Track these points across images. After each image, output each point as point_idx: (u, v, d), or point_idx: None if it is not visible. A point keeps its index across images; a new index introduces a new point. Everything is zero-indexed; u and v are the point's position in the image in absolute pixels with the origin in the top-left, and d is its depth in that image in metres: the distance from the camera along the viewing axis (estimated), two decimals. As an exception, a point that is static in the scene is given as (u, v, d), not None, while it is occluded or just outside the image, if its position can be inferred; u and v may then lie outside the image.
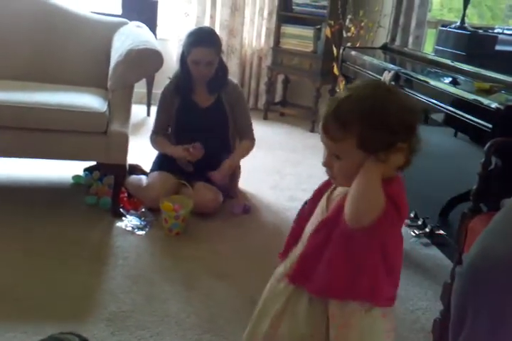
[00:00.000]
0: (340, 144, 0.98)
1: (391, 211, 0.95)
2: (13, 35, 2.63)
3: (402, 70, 2.23)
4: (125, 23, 2.77)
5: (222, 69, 2.53)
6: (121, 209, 2.34)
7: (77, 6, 2.90)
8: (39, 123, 2.19)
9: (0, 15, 2.63)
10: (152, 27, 3.39)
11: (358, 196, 0.95)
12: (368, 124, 0.95)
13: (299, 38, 4.05)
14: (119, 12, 3.66)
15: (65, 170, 2.64)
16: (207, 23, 4.14)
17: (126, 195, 2.42)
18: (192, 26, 4.13)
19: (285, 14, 4.07)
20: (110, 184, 2.40)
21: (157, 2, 3.88)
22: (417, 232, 2.15)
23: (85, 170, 2.62)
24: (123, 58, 2.28)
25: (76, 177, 2.60)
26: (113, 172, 2.35)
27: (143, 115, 3.95)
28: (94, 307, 1.71)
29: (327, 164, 1.03)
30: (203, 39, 2.42)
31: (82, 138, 2.25)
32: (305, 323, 1.07)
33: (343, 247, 1.03)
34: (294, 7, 4.06)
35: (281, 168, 3.18)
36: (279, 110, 4.36)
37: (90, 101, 2.31)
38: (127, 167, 2.36)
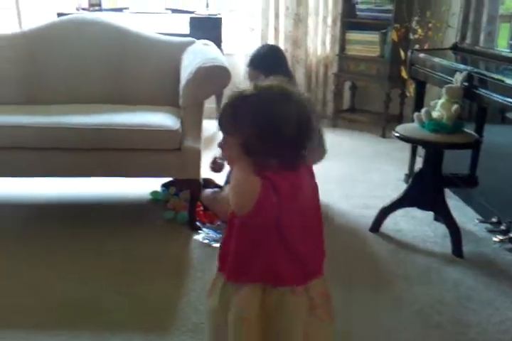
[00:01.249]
0: (228, 137, 1.08)
1: (269, 193, 1.01)
2: (88, 59, 2.79)
3: (475, 70, 2.16)
4: (193, 42, 2.86)
5: None
6: (197, 223, 2.41)
7: (147, 29, 3.02)
8: (117, 144, 2.30)
9: (77, 41, 2.80)
10: (218, 43, 3.49)
11: (234, 189, 1.03)
12: (255, 134, 1.01)
13: (365, 44, 4.01)
14: (187, 31, 3.79)
15: (144, 186, 2.75)
16: (271, 36, 4.20)
17: (201, 208, 2.48)
18: (257, 39, 4.21)
19: (349, 20, 4.06)
20: (186, 198, 2.47)
21: (221, 19, 3.98)
22: (500, 238, 2.05)
23: (163, 185, 2.72)
24: (192, 76, 2.36)
25: (154, 193, 2.70)
26: (188, 186, 2.43)
27: (213, 130, 4.04)
28: (177, 319, 1.76)
29: (218, 145, 1.12)
30: (253, 60, 2.52)
31: (157, 156, 2.34)
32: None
33: (240, 234, 1.13)
34: (357, 13, 4.03)
35: (353, 176, 3.14)
36: (348, 117, 4.33)
37: (164, 119, 2.40)
38: (201, 181, 2.42)
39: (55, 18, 3.65)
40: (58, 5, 4.09)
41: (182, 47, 2.80)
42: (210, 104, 3.26)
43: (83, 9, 3.97)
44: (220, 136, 1.11)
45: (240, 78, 4.14)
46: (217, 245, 2.26)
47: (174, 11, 4.00)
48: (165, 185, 2.71)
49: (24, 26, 4.03)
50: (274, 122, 1.01)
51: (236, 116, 1.04)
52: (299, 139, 1.04)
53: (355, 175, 3.17)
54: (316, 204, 1.19)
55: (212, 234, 2.35)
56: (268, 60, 2.51)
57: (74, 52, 2.80)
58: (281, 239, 1.10)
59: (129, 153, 2.33)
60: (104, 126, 2.30)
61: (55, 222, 2.45)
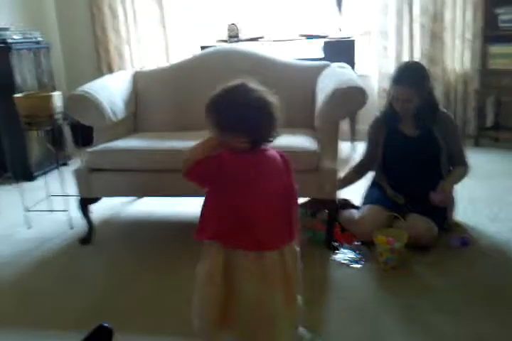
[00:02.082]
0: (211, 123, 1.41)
1: (213, 165, 1.39)
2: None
3: None
4: (328, 65, 2.92)
5: (430, 103, 2.48)
6: (335, 243, 2.41)
7: (283, 56, 3.14)
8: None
9: (220, 70, 2.99)
10: (351, 65, 3.50)
11: (192, 147, 1.44)
12: (226, 117, 1.37)
13: (509, 57, 3.78)
14: (321, 55, 3.87)
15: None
16: (406, 55, 4.13)
17: (339, 228, 2.48)
18: (391, 59, 4.17)
19: (491, 34, 3.85)
20: (323, 219, 2.49)
21: (354, 41, 4.00)
22: None
23: (299, 206, 2.76)
24: (329, 98, 2.40)
25: (291, 213, 2.76)
26: (325, 207, 2.45)
27: (347, 151, 4.05)
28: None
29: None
30: (402, 78, 2.42)
31: (296, 176, 2.39)
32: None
33: (205, 201, 1.47)
34: (500, 25, 3.82)
35: (499, 197, 2.94)
36: (492, 135, 4.07)
37: (302, 140, 2.46)
38: (338, 201, 2.43)
39: (199, 51, 3.96)
40: (201, 39, 4.42)
41: (318, 71, 2.87)
42: (343, 125, 3.27)
43: (223, 41, 4.23)
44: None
45: (374, 99, 4.12)
46: (357, 265, 2.25)
47: (307, 36, 4.11)
48: (301, 206, 2.75)
49: (171, 60, 4.40)
50: (237, 108, 1.37)
51: (214, 106, 1.40)
52: (257, 123, 1.38)
53: (502, 196, 2.95)
54: (283, 190, 1.47)
55: (350, 254, 2.33)
56: (416, 74, 2.46)
57: (218, 81, 2.99)
58: (232, 209, 1.38)
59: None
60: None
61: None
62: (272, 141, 1.45)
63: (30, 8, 4.41)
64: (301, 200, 2.71)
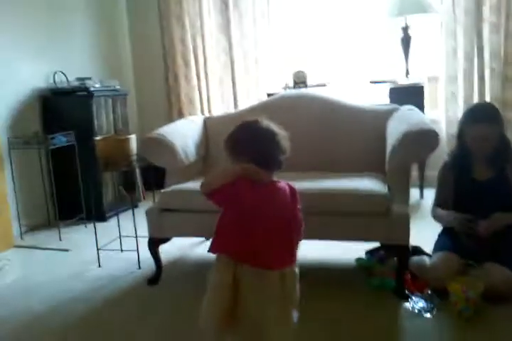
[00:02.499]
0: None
1: (228, 190, 1.59)
2: (299, 130, 3.00)
3: None
4: (397, 109, 2.91)
5: (504, 143, 2.42)
6: (406, 291, 2.31)
7: (350, 100, 3.17)
8: (326, 207, 2.38)
9: (288, 114, 3.05)
10: (420, 110, 3.47)
11: (214, 172, 1.72)
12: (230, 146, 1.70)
13: None
14: (388, 101, 3.87)
15: (347, 250, 2.76)
16: (475, 99, 4.05)
17: (409, 276, 2.39)
18: (460, 104, 4.10)
19: None
20: (393, 265, 2.41)
21: (422, 87, 3.98)
22: None
23: (367, 252, 2.70)
24: (400, 141, 2.38)
25: (359, 259, 2.69)
26: (395, 253, 2.37)
27: (416, 197, 3.95)
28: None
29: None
30: (480, 116, 2.38)
31: (364, 220, 2.36)
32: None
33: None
34: None
35: None
36: None
37: (371, 184, 2.43)
38: (409, 248, 2.35)
39: (265, 98, 4.07)
40: (268, 86, 4.55)
41: (387, 114, 2.87)
42: (411, 171, 3.21)
43: (290, 88, 4.34)
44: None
45: (443, 144, 4.03)
46: (429, 315, 2.14)
47: (374, 82, 4.14)
48: (369, 252, 2.69)
49: (239, 106, 4.54)
50: (234, 139, 1.71)
51: (234, 140, 1.70)
52: (265, 153, 1.65)
53: None
54: (288, 217, 1.68)
55: (422, 303, 2.23)
56: (493, 112, 2.42)
57: (286, 125, 3.05)
58: (243, 230, 1.59)
59: (336, 217, 2.39)
60: (314, 190, 2.40)
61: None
62: (281, 168, 1.69)
63: (110, 60, 4.72)
64: (369, 246, 2.67)
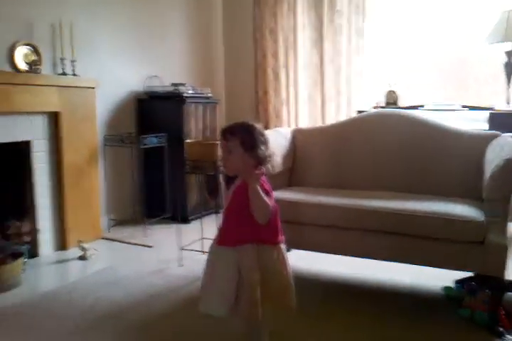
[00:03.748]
0: (230, 143, 1.72)
1: (268, 191, 1.74)
2: (390, 149, 2.95)
3: None
4: (498, 135, 2.78)
5: None
6: (499, 328, 2.17)
7: (446, 123, 3.06)
8: (417, 230, 2.31)
9: (378, 132, 3.01)
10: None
11: (260, 211, 1.69)
12: (244, 135, 1.71)
13: None
14: (485, 127, 3.71)
15: (436, 277, 2.65)
16: None
17: (504, 312, 2.25)
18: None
19: None
20: (484, 299, 2.28)
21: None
22: None
23: (457, 282, 2.57)
24: (500, 168, 2.27)
25: (447, 288, 2.57)
26: (488, 285, 2.25)
27: None
28: None
29: (223, 159, 1.77)
30: None
31: (456, 247, 2.26)
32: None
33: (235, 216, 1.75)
34: None
35: None
36: None
37: (466, 210, 2.33)
38: (505, 282, 2.22)
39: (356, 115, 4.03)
40: (358, 105, 4.51)
41: (486, 140, 2.75)
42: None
43: (381, 107, 4.27)
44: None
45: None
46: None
47: (471, 108, 3.99)
48: (459, 282, 2.56)
49: (327, 122, 4.53)
50: (247, 128, 1.75)
51: (231, 129, 1.74)
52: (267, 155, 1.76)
53: None
54: None
55: (517, 341, 2.08)
56: None
57: (377, 143, 3.01)
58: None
59: (427, 242, 2.31)
60: (404, 211, 2.34)
61: (339, 300, 2.51)
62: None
63: (204, 68, 4.88)
64: (459, 275, 2.54)
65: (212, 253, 1.80)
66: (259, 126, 1.78)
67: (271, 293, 1.71)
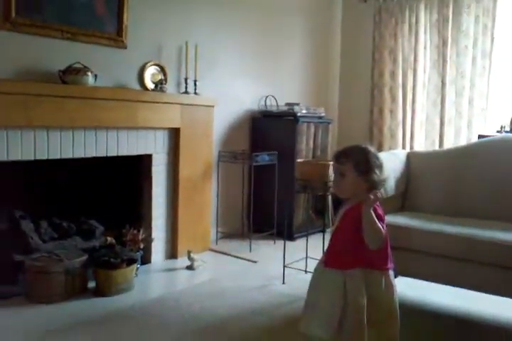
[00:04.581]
0: (344, 166, 1.70)
1: (382, 216, 1.69)
2: (510, 178, 2.75)
3: None
4: None
5: None
6: None
7: None
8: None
9: (499, 158, 2.83)
10: None
11: (373, 237, 1.63)
12: (358, 158, 1.70)
13: None
14: None
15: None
16: None
17: None
18: None
19: None
20: None
21: None
22: None
23: None
24: None
25: None
26: None
27: None
28: None
29: (335, 182, 1.76)
30: None
31: None
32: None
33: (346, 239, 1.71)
34: None
35: None
36: None
37: None
38: None
39: (476, 139, 3.81)
40: (480, 128, 4.26)
41: None
42: None
43: (506, 132, 4.00)
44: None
45: None
46: None
47: None
48: None
49: (445, 146, 4.33)
50: (361, 151, 1.72)
51: (345, 151, 1.73)
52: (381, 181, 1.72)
53: None
54: None
55: None
56: None
57: (497, 170, 2.82)
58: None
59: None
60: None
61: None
62: None
63: (318, 87, 4.92)
64: None
65: (317, 274, 1.78)
66: (373, 149, 1.75)
67: (377, 320, 1.67)
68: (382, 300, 1.69)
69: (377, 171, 1.68)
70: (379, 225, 1.63)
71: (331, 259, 1.74)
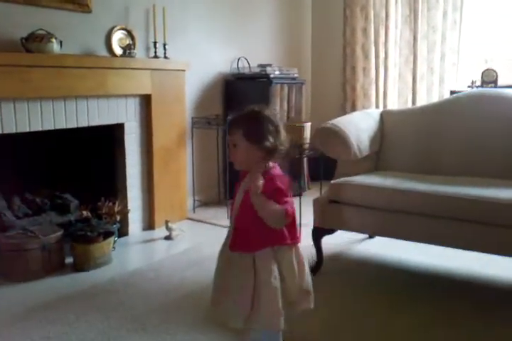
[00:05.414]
0: (234, 136, 1.56)
1: (280, 190, 1.52)
2: (487, 133, 2.76)
3: None
4: None
5: None
6: None
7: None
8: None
9: (474, 114, 2.83)
10: None
11: (270, 220, 1.52)
12: (248, 126, 1.55)
13: None
14: None
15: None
16: None
17: None
18: None
19: None
20: None
21: None
22: None
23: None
24: None
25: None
26: None
27: None
28: None
29: (230, 154, 1.59)
30: None
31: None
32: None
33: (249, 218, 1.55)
34: None
35: None
36: None
37: None
38: None
39: (449, 95, 3.81)
40: (452, 84, 4.26)
41: None
42: None
43: (477, 87, 4.00)
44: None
45: None
46: None
47: None
48: None
49: (417, 103, 4.32)
50: (253, 118, 1.57)
51: (235, 121, 1.59)
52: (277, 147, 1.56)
53: None
54: None
55: None
56: None
57: (471, 126, 2.83)
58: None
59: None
60: (494, 199, 2.19)
61: (424, 291, 2.42)
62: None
63: (290, 47, 4.82)
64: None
65: (224, 258, 1.65)
66: (269, 112, 1.58)
67: (292, 300, 1.59)
68: (295, 277, 1.59)
69: (270, 137, 1.53)
70: (272, 207, 1.49)
71: (236, 242, 1.60)
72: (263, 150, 1.53)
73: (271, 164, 1.58)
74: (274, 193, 1.50)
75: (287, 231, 1.58)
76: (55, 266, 2.64)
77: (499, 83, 3.97)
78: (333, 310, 2.22)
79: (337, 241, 3.00)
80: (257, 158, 1.54)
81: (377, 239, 3.08)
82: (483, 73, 4.04)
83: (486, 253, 2.29)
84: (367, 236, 3.14)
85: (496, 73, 3.99)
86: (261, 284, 1.54)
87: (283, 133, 1.57)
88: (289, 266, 1.59)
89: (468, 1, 4.21)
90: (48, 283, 2.53)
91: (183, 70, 3.50)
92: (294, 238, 1.61)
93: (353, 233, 2.82)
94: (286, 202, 1.51)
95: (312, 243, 2.62)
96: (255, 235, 1.55)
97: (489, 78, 4.02)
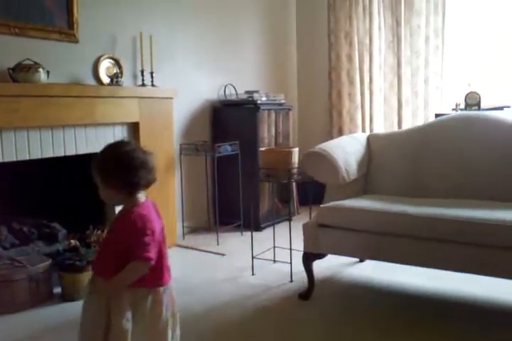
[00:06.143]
0: (95, 178, 1.59)
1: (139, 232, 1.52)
2: (473, 155, 2.79)
3: None
4: None
5: None
6: None
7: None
8: (496, 240, 2.15)
9: (459, 137, 2.87)
10: None
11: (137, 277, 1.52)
12: (100, 167, 1.58)
13: None
14: None
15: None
16: None
17: None
18: None
19: None
20: None
21: None
22: None
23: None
24: None
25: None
26: None
27: None
28: None
29: (100, 192, 1.60)
30: None
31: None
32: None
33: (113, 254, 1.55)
34: None
35: None
36: None
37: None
38: None
39: (434, 118, 3.86)
40: (436, 107, 4.33)
41: None
42: None
43: (461, 109, 4.07)
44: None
45: None
46: None
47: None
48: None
49: (403, 126, 4.38)
50: (101, 160, 1.60)
51: (95, 165, 1.61)
52: (134, 181, 1.55)
53: None
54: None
55: None
56: None
57: (456, 148, 2.86)
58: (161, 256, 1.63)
59: (507, 252, 2.16)
60: (484, 220, 2.20)
61: (416, 314, 2.40)
62: (149, 186, 1.61)
63: (277, 74, 4.88)
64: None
65: (87, 294, 1.63)
66: (129, 147, 1.58)
67: None
68: (147, 322, 1.55)
69: (125, 175, 1.53)
70: (129, 277, 1.50)
71: (98, 273, 1.60)
72: (118, 189, 1.54)
73: (142, 199, 1.58)
74: (133, 238, 1.50)
75: (151, 275, 1.54)
76: (43, 297, 2.60)
77: (482, 105, 4.05)
78: (323, 335, 2.20)
79: (328, 265, 2.99)
80: (119, 195, 1.55)
81: (368, 262, 3.07)
82: (466, 96, 4.12)
83: (476, 275, 2.29)
84: (357, 259, 3.13)
85: (479, 96, 4.07)
86: (113, 326, 1.51)
87: (145, 165, 1.56)
88: (143, 307, 1.54)
89: (449, 26, 4.33)
90: (35, 313, 2.48)
91: (171, 98, 3.53)
92: (157, 280, 1.58)
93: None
94: (144, 246, 1.49)
95: (303, 268, 2.61)
96: (112, 272, 1.52)
97: (472, 101, 4.10)
